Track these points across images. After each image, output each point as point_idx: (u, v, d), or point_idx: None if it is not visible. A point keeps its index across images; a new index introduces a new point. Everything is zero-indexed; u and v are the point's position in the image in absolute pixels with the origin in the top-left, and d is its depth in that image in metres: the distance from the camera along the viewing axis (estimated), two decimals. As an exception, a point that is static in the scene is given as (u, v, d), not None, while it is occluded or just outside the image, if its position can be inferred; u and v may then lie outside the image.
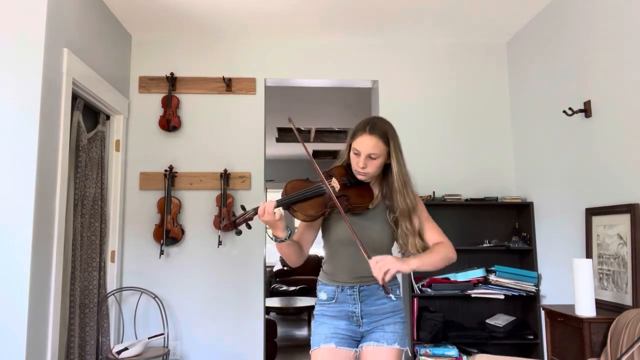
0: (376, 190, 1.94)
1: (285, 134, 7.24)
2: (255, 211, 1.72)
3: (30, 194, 2.51)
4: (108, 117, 3.69)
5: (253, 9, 3.53)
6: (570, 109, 3.06)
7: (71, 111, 3.01)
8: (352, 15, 3.63)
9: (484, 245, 3.69)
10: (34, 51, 2.58)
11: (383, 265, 1.67)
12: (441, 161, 3.96)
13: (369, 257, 1.70)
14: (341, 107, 5.81)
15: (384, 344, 1.85)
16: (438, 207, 3.81)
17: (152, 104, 3.92)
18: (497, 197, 3.76)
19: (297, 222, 1.96)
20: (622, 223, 2.65)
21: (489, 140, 4.01)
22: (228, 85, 3.93)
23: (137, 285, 3.71)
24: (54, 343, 2.68)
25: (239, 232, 1.75)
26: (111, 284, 3.59)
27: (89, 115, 3.46)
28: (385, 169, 1.92)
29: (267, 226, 1.77)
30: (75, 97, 3.10)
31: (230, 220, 1.74)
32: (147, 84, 3.93)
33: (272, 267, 9.05)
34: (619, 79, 2.72)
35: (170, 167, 3.80)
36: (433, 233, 1.92)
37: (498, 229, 3.83)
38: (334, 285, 1.91)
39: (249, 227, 1.77)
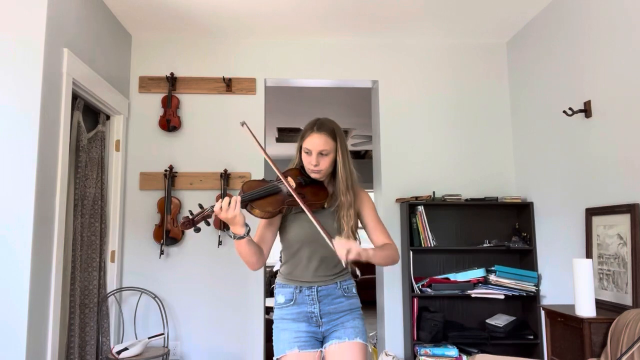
0: (330, 190, 1.99)
1: (285, 134, 7.24)
2: (213, 209, 1.74)
3: (30, 194, 2.50)
4: (108, 117, 3.69)
5: (253, 9, 3.53)
6: (570, 109, 3.06)
7: (71, 111, 3.01)
8: (352, 15, 3.63)
9: (484, 245, 3.69)
10: (34, 51, 2.58)
11: (346, 244, 1.69)
12: (441, 161, 3.96)
13: (332, 238, 1.74)
14: (341, 107, 5.82)
15: (345, 340, 1.90)
16: (438, 207, 3.81)
17: (152, 104, 3.92)
18: (497, 197, 3.75)
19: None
20: (622, 223, 2.65)
21: (489, 140, 4.01)
22: (228, 85, 3.93)
23: (137, 285, 3.72)
24: (54, 343, 2.68)
25: (198, 230, 1.78)
26: (111, 284, 3.59)
27: (89, 115, 3.46)
28: (335, 169, 1.97)
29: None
30: (75, 97, 3.10)
31: (188, 218, 1.74)
32: (147, 84, 3.93)
33: (272, 267, 9.04)
34: (618, 79, 2.72)
35: (170, 167, 3.80)
36: (380, 235, 1.96)
37: (498, 229, 3.83)
38: (292, 286, 1.94)
39: (208, 224, 1.80)
